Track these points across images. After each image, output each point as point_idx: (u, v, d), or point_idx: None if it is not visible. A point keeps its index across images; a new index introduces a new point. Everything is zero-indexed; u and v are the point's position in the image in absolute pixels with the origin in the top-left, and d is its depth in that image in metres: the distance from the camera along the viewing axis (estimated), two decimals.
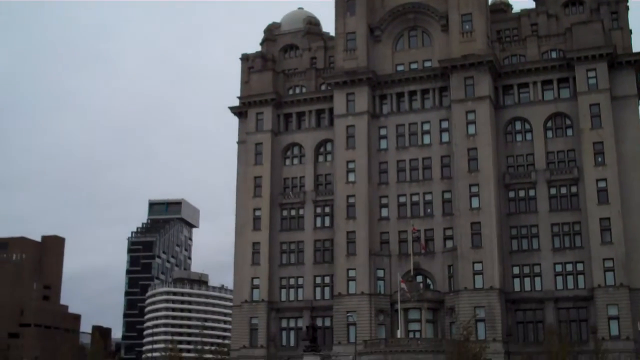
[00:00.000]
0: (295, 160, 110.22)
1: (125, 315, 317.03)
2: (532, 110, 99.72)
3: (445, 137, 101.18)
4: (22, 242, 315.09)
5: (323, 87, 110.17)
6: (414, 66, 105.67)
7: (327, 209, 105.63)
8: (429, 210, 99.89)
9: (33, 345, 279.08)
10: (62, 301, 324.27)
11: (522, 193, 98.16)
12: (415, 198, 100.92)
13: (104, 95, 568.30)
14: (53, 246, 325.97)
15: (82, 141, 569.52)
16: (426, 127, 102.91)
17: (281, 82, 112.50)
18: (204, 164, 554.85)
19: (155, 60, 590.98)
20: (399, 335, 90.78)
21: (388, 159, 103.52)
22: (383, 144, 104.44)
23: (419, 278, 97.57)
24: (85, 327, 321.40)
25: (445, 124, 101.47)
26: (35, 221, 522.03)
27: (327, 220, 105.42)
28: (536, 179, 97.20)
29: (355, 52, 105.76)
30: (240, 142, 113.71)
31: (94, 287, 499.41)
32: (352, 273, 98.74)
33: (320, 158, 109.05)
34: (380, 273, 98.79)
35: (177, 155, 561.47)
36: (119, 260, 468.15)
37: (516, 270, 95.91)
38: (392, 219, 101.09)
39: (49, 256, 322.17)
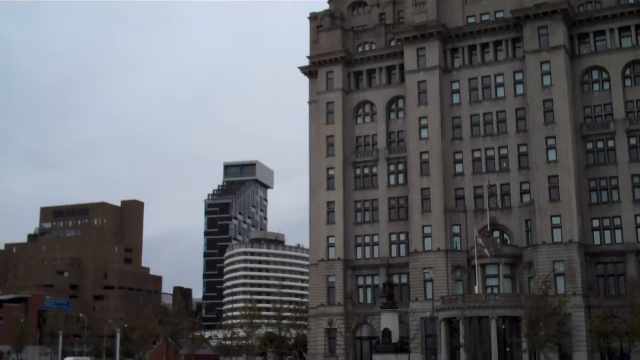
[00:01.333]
0: (367, 118, 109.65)
1: (204, 276, 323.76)
2: (609, 58, 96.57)
3: (520, 89, 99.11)
4: (102, 207, 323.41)
5: (393, 43, 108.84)
6: (485, 17, 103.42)
7: (400, 166, 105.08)
8: (504, 165, 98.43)
9: (117, 307, 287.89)
10: (143, 264, 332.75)
11: (600, 144, 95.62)
12: (490, 152, 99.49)
13: (177, 59, 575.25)
14: (132, 210, 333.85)
15: (158, 105, 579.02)
16: (499, 79, 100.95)
17: (350, 40, 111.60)
18: (276, 125, 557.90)
19: (224, 23, 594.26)
20: (476, 291, 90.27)
21: (461, 113, 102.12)
22: (455, 98, 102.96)
23: (496, 233, 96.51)
24: (167, 288, 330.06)
25: (519, 76, 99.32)
26: (114, 186, 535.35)
27: (400, 177, 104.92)
28: (615, 129, 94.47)
29: (425, 5, 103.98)
30: (312, 102, 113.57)
31: (174, 249, 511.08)
32: (427, 230, 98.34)
33: (392, 115, 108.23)
34: (456, 229, 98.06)
35: (251, 117, 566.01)
36: (197, 222, 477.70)
37: (595, 223, 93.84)
38: (466, 174, 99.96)
39: (129, 220, 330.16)
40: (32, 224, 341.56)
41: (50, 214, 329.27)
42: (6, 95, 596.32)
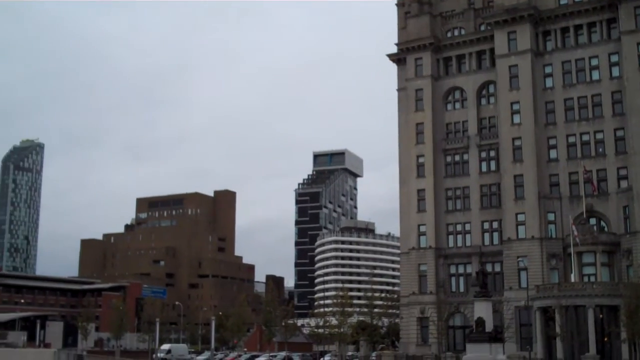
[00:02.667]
0: (457, 105, 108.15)
1: (296, 265, 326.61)
2: None
3: (616, 71, 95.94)
4: (196, 198, 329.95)
5: (482, 28, 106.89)
6: None
7: (492, 153, 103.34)
8: (600, 150, 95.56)
9: (212, 295, 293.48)
10: (236, 252, 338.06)
11: None
12: (585, 137, 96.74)
13: (268, 51, 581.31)
14: (225, 200, 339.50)
15: (250, 96, 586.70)
16: (594, 62, 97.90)
17: (439, 25, 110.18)
18: (365, 113, 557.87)
19: (313, 14, 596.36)
20: (572, 280, 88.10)
21: (554, 98, 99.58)
22: (548, 82, 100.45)
23: (592, 220, 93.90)
24: (259, 276, 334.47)
25: (615, 58, 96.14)
26: (208, 176, 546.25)
27: (492, 164, 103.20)
28: None
29: None
30: (400, 89, 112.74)
31: (265, 238, 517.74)
32: (521, 217, 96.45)
33: (483, 101, 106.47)
34: (551, 216, 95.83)
35: (340, 106, 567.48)
36: (288, 211, 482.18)
37: None
38: (561, 160, 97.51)
39: (222, 210, 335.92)
40: (128, 214, 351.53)
41: (145, 204, 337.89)
42: (105, 90, 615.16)
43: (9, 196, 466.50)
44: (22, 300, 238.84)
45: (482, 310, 75.39)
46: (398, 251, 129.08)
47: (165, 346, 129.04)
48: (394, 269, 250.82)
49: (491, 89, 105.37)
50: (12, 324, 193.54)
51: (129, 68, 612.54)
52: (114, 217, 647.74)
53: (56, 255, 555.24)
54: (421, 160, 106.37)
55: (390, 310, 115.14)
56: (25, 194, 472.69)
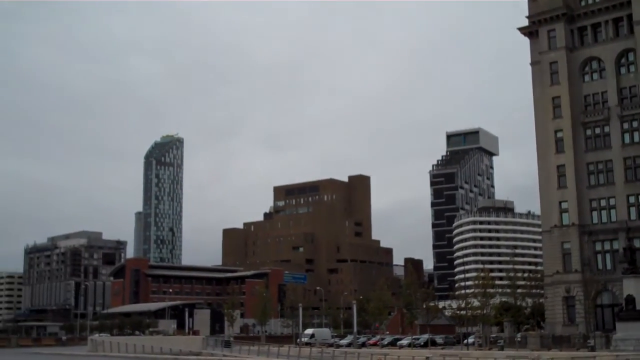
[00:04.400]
0: (595, 76, 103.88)
1: (434, 247, 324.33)
2: None
3: None
4: (331, 184, 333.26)
5: None
6: None
7: (634, 124, 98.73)
8: None
9: (351, 279, 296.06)
10: (373, 236, 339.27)
11: None
12: None
13: (397, 34, 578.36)
14: (360, 185, 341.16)
15: (382, 80, 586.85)
16: None
17: None
18: (498, 90, 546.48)
19: None
20: None
21: None
22: None
23: None
24: (397, 260, 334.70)
25: None
26: (343, 162, 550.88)
27: (636, 135, 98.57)
28: None
29: None
30: (534, 63, 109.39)
31: (402, 221, 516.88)
32: None
33: (622, 70, 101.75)
34: None
35: (471, 83, 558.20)
36: (423, 193, 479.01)
37: None
38: None
39: (357, 195, 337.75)
40: (267, 203, 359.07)
41: (282, 192, 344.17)
42: (243, 82, 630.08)
43: (152, 190, 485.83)
44: (170, 290, 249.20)
45: (631, 287, 72.69)
46: (539, 230, 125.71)
47: (309, 331, 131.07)
48: (535, 248, 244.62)
49: (631, 57, 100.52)
50: (162, 312, 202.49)
51: (266, 58, 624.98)
52: (254, 206, 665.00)
53: (200, 245, 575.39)
54: (559, 135, 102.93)
55: (534, 291, 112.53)
56: (168, 187, 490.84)
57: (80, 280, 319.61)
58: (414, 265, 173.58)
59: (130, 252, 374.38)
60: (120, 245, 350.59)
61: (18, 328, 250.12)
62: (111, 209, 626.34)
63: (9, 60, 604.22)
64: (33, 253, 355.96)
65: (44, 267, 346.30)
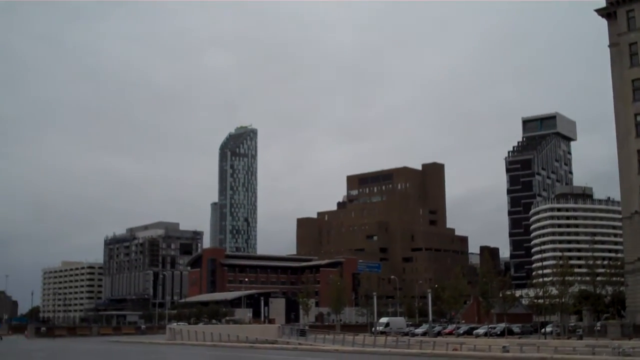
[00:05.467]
0: None
1: (510, 235, 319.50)
2: None
3: None
4: (404, 172, 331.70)
5: None
6: None
7: None
8: None
9: (426, 268, 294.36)
10: (448, 225, 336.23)
11: None
12: None
13: (471, 15, 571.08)
14: (433, 173, 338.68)
15: (454, 65, 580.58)
16: None
17: None
18: (575, 73, 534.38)
19: None
20: None
21: None
22: None
23: None
24: (473, 248, 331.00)
25: None
26: (417, 150, 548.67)
27: None
28: None
29: None
30: (612, 45, 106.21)
31: (477, 209, 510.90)
32: None
33: None
34: None
35: (547, 68, 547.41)
36: (499, 180, 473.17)
37: None
38: None
39: (431, 183, 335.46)
40: (340, 192, 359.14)
41: (356, 181, 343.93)
42: (316, 72, 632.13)
43: (228, 181, 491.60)
44: (246, 279, 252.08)
45: None
46: (619, 216, 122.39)
47: (384, 319, 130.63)
48: (615, 235, 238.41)
49: None
50: (238, 301, 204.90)
51: (339, 48, 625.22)
52: (327, 195, 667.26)
53: (274, 235, 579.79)
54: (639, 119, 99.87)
55: (614, 278, 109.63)
56: (242, 178, 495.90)
57: (158, 270, 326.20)
58: (490, 253, 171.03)
59: (206, 242, 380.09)
60: (196, 235, 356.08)
61: (99, 317, 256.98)
62: (188, 200, 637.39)
63: (94, 58, 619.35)
64: (112, 244, 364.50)
65: (123, 258, 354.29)
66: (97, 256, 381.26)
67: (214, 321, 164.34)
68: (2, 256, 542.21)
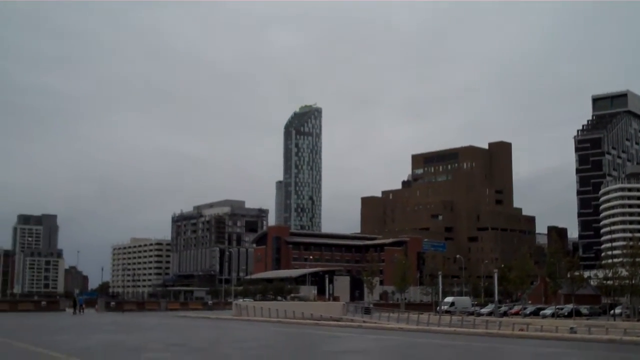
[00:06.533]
0: None
1: (579, 215, 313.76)
2: None
3: None
4: (470, 151, 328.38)
5: None
6: None
7: None
8: None
9: (491, 248, 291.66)
10: (515, 204, 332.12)
11: None
12: None
13: None
14: (500, 152, 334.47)
15: (521, 43, 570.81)
16: None
17: None
18: None
19: None
20: None
21: None
22: None
23: None
24: (540, 228, 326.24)
25: None
26: (484, 129, 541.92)
27: None
28: None
29: None
30: None
31: (545, 188, 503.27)
32: None
33: None
34: None
35: (618, 45, 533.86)
36: (567, 160, 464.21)
37: None
38: None
39: (498, 162, 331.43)
40: (405, 171, 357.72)
41: (421, 160, 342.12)
42: (382, 51, 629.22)
43: (292, 160, 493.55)
44: (311, 257, 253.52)
45: None
46: None
47: (449, 299, 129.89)
48: None
49: None
50: (302, 279, 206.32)
51: (406, 26, 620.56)
52: (392, 174, 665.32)
53: (339, 214, 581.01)
54: None
55: None
56: (307, 156, 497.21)
57: (224, 247, 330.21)
58: (557, 233, 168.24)
59: (271, 220, 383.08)
60: (262, 213, 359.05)
61: (167, 292, 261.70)
62: (253, 178, 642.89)
63: (159, 39, 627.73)
64: (180, 221, 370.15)
65: (190, 235, 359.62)
66: (164, 233, 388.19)
67: (279, 298, 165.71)
68: (74, 233, 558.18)
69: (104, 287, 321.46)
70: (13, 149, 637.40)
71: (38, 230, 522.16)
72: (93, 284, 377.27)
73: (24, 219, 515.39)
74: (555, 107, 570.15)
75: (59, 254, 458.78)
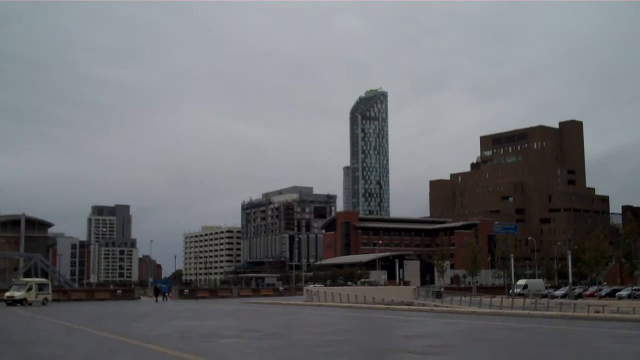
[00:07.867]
0: None
1: None
2: None
3: None
4: (540, 131, 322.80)
5: None
6: None
7: None
8: None
9: (564, 229, 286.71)
10: (588, 184, 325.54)
11: None
12: None
13: None
14: (571, 131, 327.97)
15: (593, 18, 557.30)
16: None
17: None
18: None
19: None
20: None
21: None
22: None
23: None
24: (615, 208, 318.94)
25: None
26: (556, 108, 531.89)
27: None
28: None
29: None
30: None
31: (619, 167, 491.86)
32: None
33: None
34: None
35: None
36: None
37: None
38: None
39: (569, 141, 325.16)
40: (474, 153, 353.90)
41: (489, 142, 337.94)
42: (448, 33, 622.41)
43: (359, 145, 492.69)
44: (380, 242, 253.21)
45: None
46: None
47: (522, 281, 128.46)
48: None
49: None
50: (372, 263, 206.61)
51: (472, 7, 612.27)
52: (460, 156, 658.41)
53: (407, 198, 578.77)
54: None
55: None
56: (374, 141, 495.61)
57: (294, 234, 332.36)
58: (633, 213, 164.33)
59: (339, 206, 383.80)
60: (330, 199, 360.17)
61: (238, 279, 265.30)
62: (320, 164, 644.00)
63: (225, 30, 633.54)
64: (249, 209, 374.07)
65: (260, 222, 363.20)
66: (235, 221, 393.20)
67: (349, 283, 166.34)
68: (147, 222, 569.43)
69: (177, 275, 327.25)
70: (85, 141, 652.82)
71: (112, 221, 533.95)
72: (166, 272, 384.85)
73: (98, 210, 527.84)
74: (629, 82, 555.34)
75: (133, 244, 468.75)
